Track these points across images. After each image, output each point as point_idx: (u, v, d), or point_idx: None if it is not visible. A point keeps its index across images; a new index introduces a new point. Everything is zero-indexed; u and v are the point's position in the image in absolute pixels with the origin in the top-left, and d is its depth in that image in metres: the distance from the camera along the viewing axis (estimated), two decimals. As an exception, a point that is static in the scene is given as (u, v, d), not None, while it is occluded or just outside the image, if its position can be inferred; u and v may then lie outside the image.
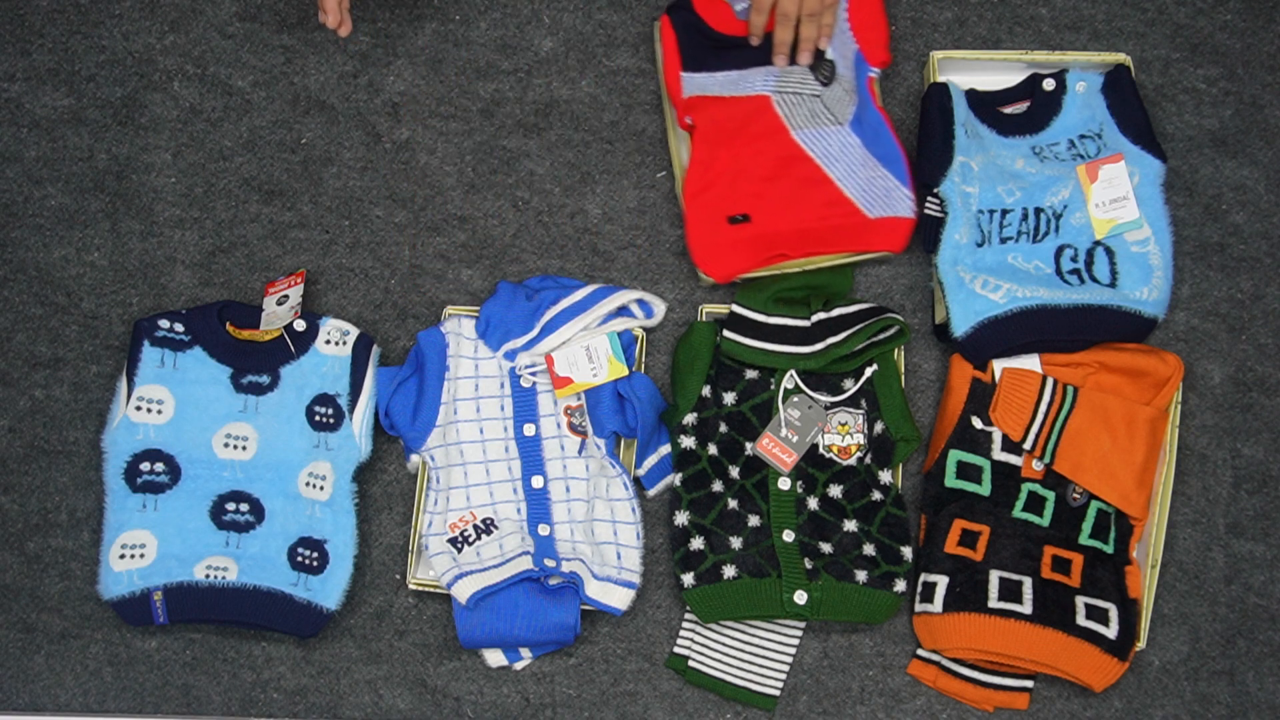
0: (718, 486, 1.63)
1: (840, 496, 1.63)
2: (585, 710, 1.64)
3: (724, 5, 1.73)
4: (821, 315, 1.65)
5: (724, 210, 1.67)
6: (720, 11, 1.73)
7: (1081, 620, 1.58)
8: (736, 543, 1.60)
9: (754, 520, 1.62)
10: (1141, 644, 1.62)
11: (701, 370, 1.64)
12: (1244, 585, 1.66)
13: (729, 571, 1.59)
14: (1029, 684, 1.63)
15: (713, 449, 1.64)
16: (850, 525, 1.62)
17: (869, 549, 1.60)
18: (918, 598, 1.62)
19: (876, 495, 1.63)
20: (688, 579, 1.59)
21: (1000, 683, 1.63)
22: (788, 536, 1.61)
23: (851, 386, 1.65)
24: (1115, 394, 1.63)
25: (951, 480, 1.63)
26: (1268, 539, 1.67)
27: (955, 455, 1.63)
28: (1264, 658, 1.65)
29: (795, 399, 1.65)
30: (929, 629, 1.60)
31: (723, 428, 1.65)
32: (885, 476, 1.64)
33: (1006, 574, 1.59)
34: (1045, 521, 1.62)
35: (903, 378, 1.66)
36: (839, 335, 1.63)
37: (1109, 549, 1.62)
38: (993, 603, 1.58)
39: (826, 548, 1.61)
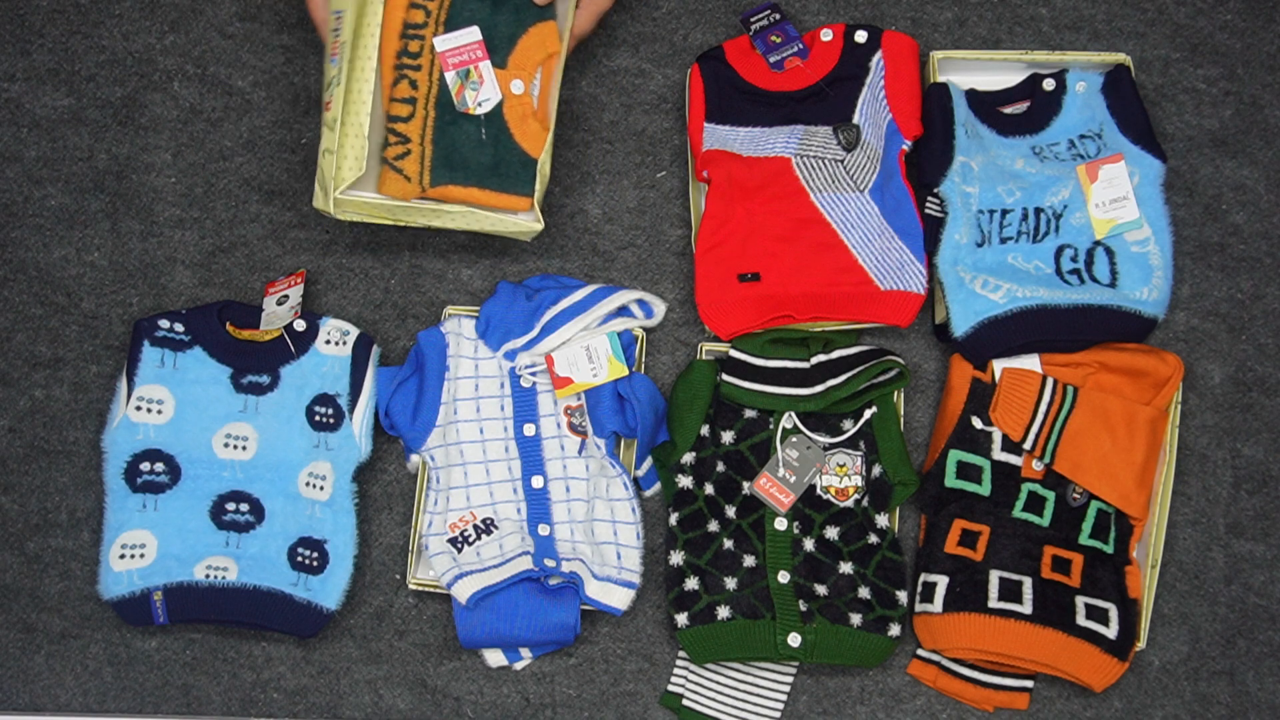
0: (713, 526, 1.62)
1: (837, 538, 1.62)
2: (585, 710, 1.64)
3: (758, 57, 1.72)
4: (822, 357, 1.64)
5: (735, 267, 1.66)
6: (753, 63, 1.72)
7: (1081, 620, 1.58)
8: (731, 583, 1.60)
9: (749, 561, 1.61)
10: (1141, 644, 1.62)
11: (701, 409, 1.64)
12: (1244, 585, 1.66)
13: (723, 612, 1.58)
14: (1029, 684, 1.63)
15: (709, 488, 1.63)
16: (846, 567, 1.61)
17: (864, 592, 1.60)
18: (918, 598, 1.62)
19: (873, 538, 1.62)
20: (681, 619, 1.59)
21: (1000, 683, 1.63)
22: (783, 578, 1.60)
23: (851, 428, 1.65)
24: (1115, 394, 1.63)
25: (951, 480, 1.63)
26: (1268, 539, 1.67)
27: (955, 455, 1.63)
28: (1264, 658, 1.65)
29: (794, 439, 1.64)
30: (929, 629, 1.60)
31: (720, 467, 1.64)
32: (882, 520, 1.63)
33: (1006, 574, 1.59)
34: (1045, 521, 1.62)
35: (902, 420, 1.66)
36: (839, 378, 1.62)
37: (1109, 549, 1.61)
38: (993, 603, 1.58)
39: (821, 590, 1.60)
